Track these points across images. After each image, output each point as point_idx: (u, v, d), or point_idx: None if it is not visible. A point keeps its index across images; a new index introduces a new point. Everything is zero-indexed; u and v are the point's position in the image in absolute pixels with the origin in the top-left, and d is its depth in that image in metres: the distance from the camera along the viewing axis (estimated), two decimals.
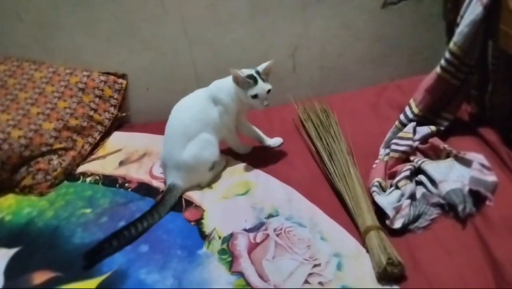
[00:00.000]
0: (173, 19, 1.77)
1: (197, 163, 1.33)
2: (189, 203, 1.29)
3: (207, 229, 1.18)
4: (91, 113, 1.71)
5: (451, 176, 1.09)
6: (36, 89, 1.68)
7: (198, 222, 1.21)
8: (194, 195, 1.32)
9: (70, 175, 1.54)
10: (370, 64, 1.83)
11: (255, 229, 1.15)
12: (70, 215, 1.32)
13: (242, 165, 1.43)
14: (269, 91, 1.29)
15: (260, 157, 1.46)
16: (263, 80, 1.29)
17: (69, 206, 1.37)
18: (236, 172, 1.40)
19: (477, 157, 1.12)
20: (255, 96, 1.29)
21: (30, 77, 1.72)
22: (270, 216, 1.18)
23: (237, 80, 1.30)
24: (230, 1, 1.73)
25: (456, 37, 1.20)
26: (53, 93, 1.68)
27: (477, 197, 1.03)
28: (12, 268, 1.16)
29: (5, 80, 1.70)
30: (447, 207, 1.05)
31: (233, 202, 1.27)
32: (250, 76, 1.29)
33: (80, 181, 1.50)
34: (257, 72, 1.31)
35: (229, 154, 1.49)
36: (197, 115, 1.34)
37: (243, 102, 1.33)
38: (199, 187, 1.36)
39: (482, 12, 1.15)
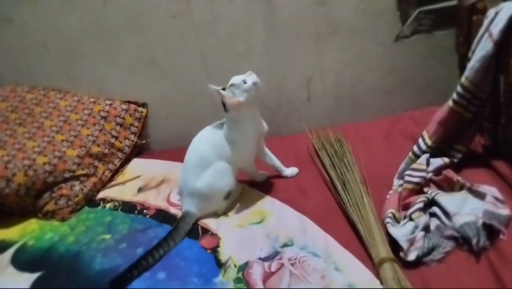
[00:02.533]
0: (192, 50, 1.84)
1: (211, 192, 1.35)
2: (206, 231, 1.32)
3: (223, 257, 1.20)
4: (112, 140, 1.77)
5: (465, 208, 1.09)
6: (61, 117, 1.75)
7: (214, 250, 1.23)
8: (210, 223, 1.35)
9: (90, 200, 1.59)
10: (383, 94, 1.86)
11: (270, 258, 1.16)
12: (90, 240, 1.35)
13: (257, 194, 1.45)
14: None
15: (275, 186, 1.48)
16: None
17: (89, 231, 1.40)
18: (252, 201, 1.42)
19: (491, 190, 1.12)
20: (245, 82, 1.35)
21: (55, 106, 1.79)
22: (285, 245, 1.20)
23: (225, 99, 1.35)
24: (247, 33, 1.79)
25: (467, 72, 1.23)
26: (77, 121, 1.74)
27: (490, 230, 1.03)
28: None
29: (32, 108, 1.77)
30: (461, 240, 1.05)
31: (248, 230, 1.29)
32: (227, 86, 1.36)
33: (100, 207, 1.54)
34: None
35: (245, 183, 1.51)
36: (213, 148, 1.37)
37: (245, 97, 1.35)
38: (216, 215, 1.38)
39: (492, 48, 1.17)
